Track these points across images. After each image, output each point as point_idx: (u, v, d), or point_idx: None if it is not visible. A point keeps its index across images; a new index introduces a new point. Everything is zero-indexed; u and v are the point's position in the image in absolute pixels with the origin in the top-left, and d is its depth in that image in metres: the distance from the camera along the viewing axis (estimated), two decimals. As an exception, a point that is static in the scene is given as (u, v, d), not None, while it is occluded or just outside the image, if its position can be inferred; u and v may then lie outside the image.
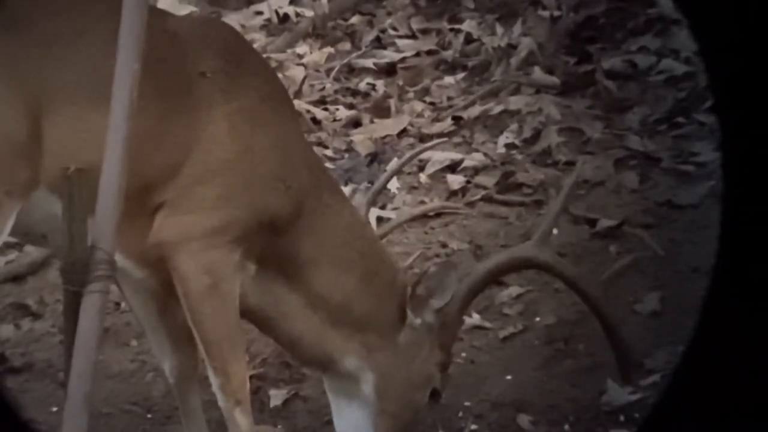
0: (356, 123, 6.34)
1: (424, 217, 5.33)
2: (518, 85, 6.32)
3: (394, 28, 7.14)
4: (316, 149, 5.55)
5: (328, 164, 5.70)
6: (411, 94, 6.56)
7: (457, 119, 6.17)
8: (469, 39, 6.87)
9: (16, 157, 3.44)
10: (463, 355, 4.71)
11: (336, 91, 6.65)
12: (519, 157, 5.80)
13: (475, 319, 4.84)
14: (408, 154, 5.04)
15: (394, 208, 5.51)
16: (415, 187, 5.72)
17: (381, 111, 6.39)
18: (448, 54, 6.83)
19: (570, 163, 5.61)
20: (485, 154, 5.81)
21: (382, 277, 3.93)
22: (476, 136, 6.01)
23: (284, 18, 7.30)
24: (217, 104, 3.65)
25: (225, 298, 3.67)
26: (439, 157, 5.78)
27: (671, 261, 4.98)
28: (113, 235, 3.30)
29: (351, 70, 6.85)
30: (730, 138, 3.07)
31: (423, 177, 5.75)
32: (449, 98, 6.46)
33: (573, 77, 6.32)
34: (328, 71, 6.81)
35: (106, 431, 4.52)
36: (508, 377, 4.64)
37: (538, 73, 6.37)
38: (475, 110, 6.16)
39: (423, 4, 7.30)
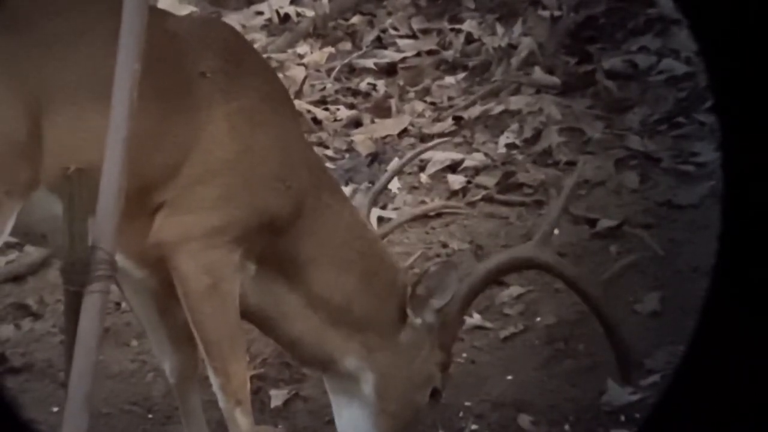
0: (357, 123, 6.34)
1: (425, 217, 5.32)
2: (519, 85, 6.32)
3: (395, 28, 7.14)
4: (317, 149, 5.56)
5: (328, 164, 5.70)
6: (412, 94, 6.55)
7: (457, 119, 6.16)
8: (469, 39, 6.86)
9: (16, 157, 3.43)
10: (464, 355, 4.71)
11: (337, 91, 6.65)
12: (520, 157, 5.79)
13: (475, 319, 4.84)
14: (409, 154, 5.02)
15: (395, 208, 5.50)
16: (415, 187, 5.72)
17: (382, 111, 6.39)
18: (448, 54, 6.82)
19: (571, 163, 5.60)
20: (486, 154, 5.81)
21: (383, 277, 3.92)
22: (477, 136, 6.00)
23: (285, 18, 7.29)
24: (217, 104, 3.65)
25: (225, 298, 3.67)
26: (439, 157, 5.77)
27: (671, 261, 4.98)
28: (114, 235, 3.30)
29: (352, 70, 6.85)
30: (730, 138, 3.07)
31: (424, 177, 5.74)
32: (450, 98, 6.46)
33: (573, 77, 6.32)
34: (329, 71, 6.81)
35: (106, 431, 4.52)
36: (509, 377, 4.63)
37: (538, 73, 6.37)
38: (476, 110, 6.16)
39: (423, 4, 7.30)
